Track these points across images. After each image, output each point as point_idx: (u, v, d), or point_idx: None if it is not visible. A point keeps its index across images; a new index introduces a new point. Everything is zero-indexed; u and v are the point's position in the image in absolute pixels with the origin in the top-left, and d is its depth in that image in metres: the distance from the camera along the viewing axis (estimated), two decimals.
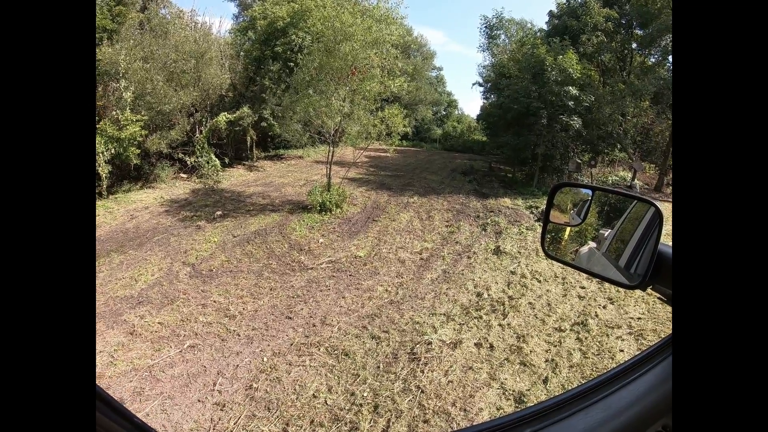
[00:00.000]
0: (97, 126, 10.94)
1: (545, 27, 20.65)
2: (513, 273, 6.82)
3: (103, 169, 10.66)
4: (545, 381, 4.10)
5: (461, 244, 8.34)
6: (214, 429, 3.57)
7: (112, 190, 11.54)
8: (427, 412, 3.69)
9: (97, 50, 11.53)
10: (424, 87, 33.49)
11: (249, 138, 16.98)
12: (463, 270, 7.03)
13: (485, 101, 26.10)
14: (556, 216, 1.64)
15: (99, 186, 10.78)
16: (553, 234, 1.71)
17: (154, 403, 3.90)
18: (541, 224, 1.56)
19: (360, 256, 7.71)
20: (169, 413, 3.75)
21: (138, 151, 11.85)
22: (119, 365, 4.47)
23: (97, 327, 5.26)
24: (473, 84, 40.94)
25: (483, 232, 9.08)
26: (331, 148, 11.20)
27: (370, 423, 3.57)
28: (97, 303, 5.91)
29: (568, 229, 1.79)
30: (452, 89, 56.53)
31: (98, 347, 4.80)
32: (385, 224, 9.71)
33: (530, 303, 5.76)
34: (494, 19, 23.40)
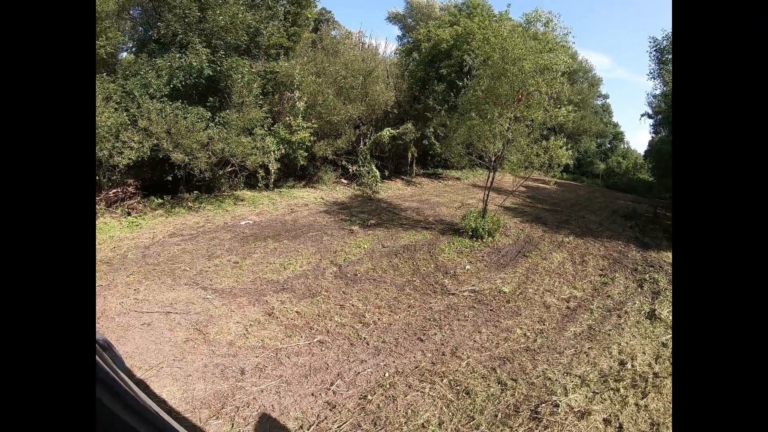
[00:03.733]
0: (271, 128, 12.36)
1: None
2: (665, 346, 5.48)
3: (273, 165, 11.94)
4: None
5: (613, 299, 7.09)
6: (317, 425, 3.47)
7: (278, 185, 12.92)
8: None
9: (274, 64, 13.14)
10: (589, 116, 30.94)
11: (410, 154, 17.61)
12: (610, 330, 5.91)
13: (654, 136, 22.93)
14: None
15: (267, 179, 12.09)
16: None
17: (271, 382, 3.99)
18: None
19: (504, 292, 7.04)
20: (281, 396, 3.81)
21: (306, 154, 13.07)
22: (251, 339, 4.74)
23: (240, 301, 5.67)
24: (642, 115, 36.41)
25: (639, 290, 7.62)
26: (491, 174, 10.72)
27: None
28: (245, 280, 6.42)
29: None
30: (618, 120, 51.33)
31: (237, 319, 5.18)
32: (536, 261, 8.82)
33: None
34: (664, 42, 20.08)
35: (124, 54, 12.70)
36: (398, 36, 33.29)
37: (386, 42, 36.50)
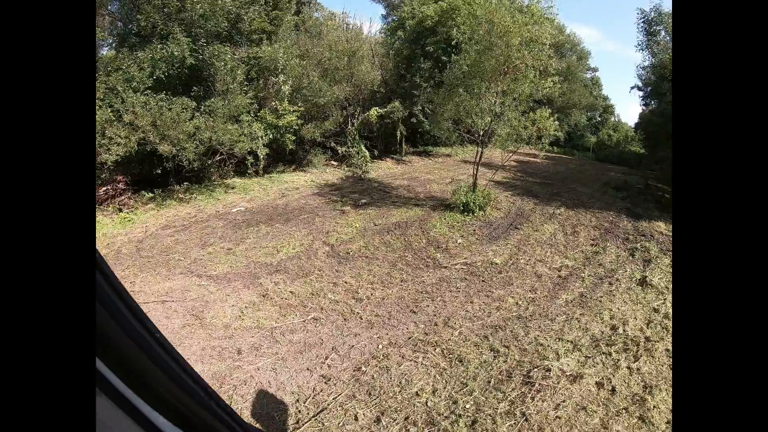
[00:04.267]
0: (258, 114, 12.25)
1: None
2: (656, 311, 5.59)
3: (261, 151, 11.88)
4: None
5: (605, 268, 7.21)
6: (313, 398, 3.60)
7: (267, 170, 12.93)
8: None
9: (257, 49, 12.94)
10: (579, 89, 30.62)
11: (399, 133, 17.51)
12: (601, 297, 6.02)
13: (644, 108, 22.86)
14: None
15: (256, 166, 12.08)
16: None
17: (267, 360, 4.11)
18: None
19: (496, 263, 7.15)
20: (278, 372, 3.94)
21: (294, 137, 13.00)
22: (246, 321, 4.88)
23: (235, 285, 5.80)
24: (631, 88, 36.03)
25: (630, 258, 7.73)
26: (480, 149, 10.74)
27: None
28: (238, 265, 6.52)
29: None
30: (608, 93, 51.11)
31: (232, 302, 5.29)
32: (527, 233, 8.92)
33: (668, 350, 4.58)
34: (652, 13, 19.84)
35: (105, 51, 12.48)
36: (383, 15, 32.70)
37: (371, 21, 35.99)
